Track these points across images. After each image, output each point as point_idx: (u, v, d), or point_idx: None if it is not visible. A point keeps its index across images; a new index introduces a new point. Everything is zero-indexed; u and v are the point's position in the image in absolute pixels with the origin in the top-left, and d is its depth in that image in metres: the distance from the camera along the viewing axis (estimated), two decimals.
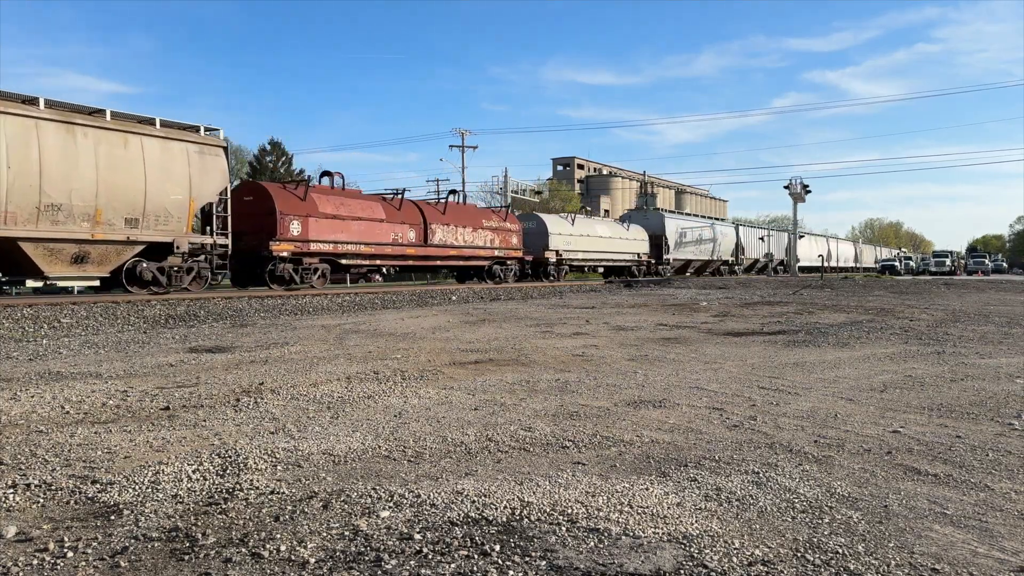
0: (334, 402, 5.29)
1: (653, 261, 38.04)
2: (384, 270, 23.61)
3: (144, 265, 15.79)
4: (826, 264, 51.14)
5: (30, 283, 14.83)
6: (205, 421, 4.66)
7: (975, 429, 4.46)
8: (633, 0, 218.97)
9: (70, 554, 2.55)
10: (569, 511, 2.97)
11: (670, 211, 51.53)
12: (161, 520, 2.88)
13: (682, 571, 2.41)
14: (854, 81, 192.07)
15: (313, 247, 19.89)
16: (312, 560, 2.49)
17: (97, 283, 15.47)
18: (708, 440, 4.17)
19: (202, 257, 17.00)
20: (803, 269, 52.49)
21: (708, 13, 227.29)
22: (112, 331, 10.98)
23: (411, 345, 8.87)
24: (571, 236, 32.42)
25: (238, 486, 3.29)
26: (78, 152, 14.32)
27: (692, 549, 2.58)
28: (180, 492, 3.22)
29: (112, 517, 2.92)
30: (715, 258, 44.38)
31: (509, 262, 28.30)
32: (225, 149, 17.49)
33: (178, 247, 16.17)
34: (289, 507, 3.02)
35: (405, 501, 3.09)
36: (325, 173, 22.60)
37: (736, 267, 46.97)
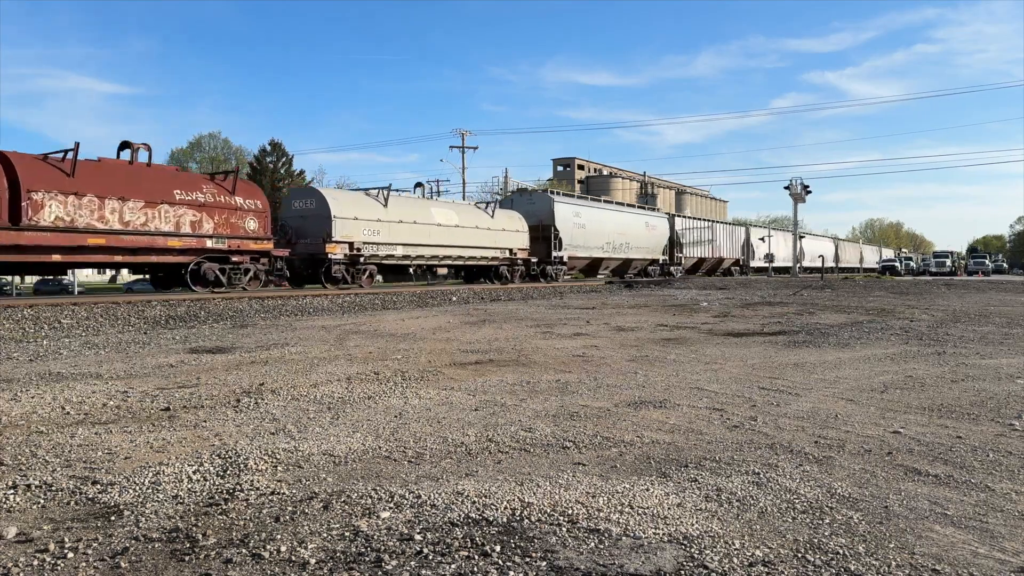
0: (334, 403, 5.29)
1: (536, 260, 28.66)
2: None
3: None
4: (826, 265, 49.27)
5: (29, 281, 15.00)
6: (205, 422, 4.66)
7: (976, 430, 4.45)
8: (633, 0, 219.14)
9: (70, 555, 2.55)
10: (570, 512, 2.97)
11: (569, 194, 36.52)
12: (161, 521, 2.88)
13: (682, 572, 2.41)
14: (854, 82, 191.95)
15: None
16: (312, 561, 2.49)
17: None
18: (708, 441, 4.17)
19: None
20: (777, 270, 49.11)
21: (706, 14, 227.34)
22: (112, 332, 10.98)
23: (411, 346, 8.87)
24: (381, 223, 21.97)
25: (238, 487, 3.29)
26: None
27: (692, 550, 2.58)
28: (180, 493, 3.22)
29: (112, 518, 2.92)
30: (640, 257, 35.72)
31: (240, 259, 18.05)
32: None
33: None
34: (289, 508, 3.02)
35: (405, 502, 3.09)
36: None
37: (672, 267, 38.66)
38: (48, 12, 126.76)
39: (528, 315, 13.93)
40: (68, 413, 4.94)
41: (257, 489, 3.26)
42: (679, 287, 25.99)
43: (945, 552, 2.57)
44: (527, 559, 2.51)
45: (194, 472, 3.51)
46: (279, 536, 2.71)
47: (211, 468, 3.58)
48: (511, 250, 27.53)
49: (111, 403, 5.28)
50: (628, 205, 39.35)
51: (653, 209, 41.09)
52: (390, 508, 3.01)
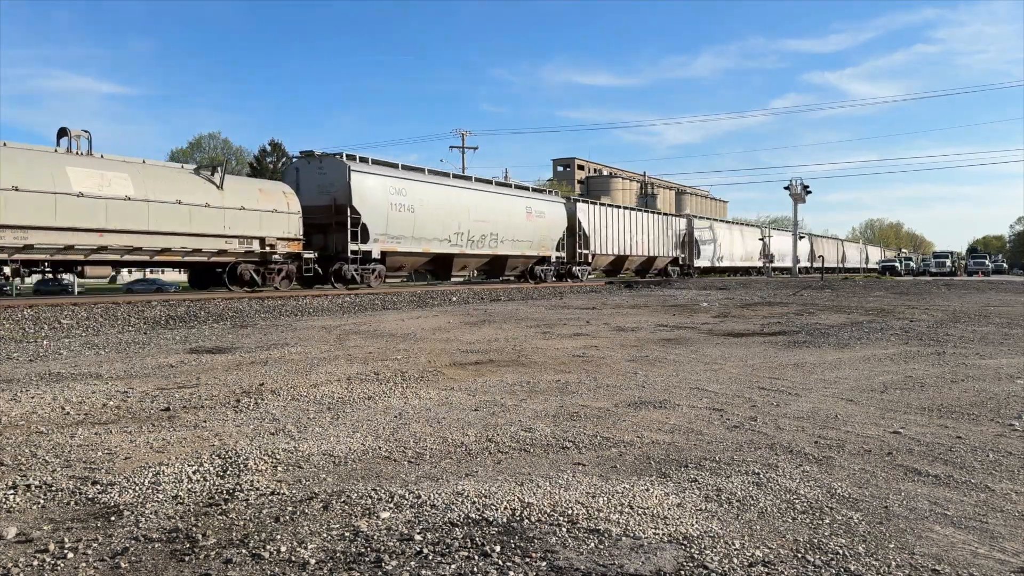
0: (334, 403, 5.29)
1: (311, 256, 18.93)
2: None
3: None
4: (824, 265, 48.85)
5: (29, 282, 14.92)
6: (205, 422, 4.66)
7: (975, 430, 4.45)
8: (632, 1, 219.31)
9: (70, 555, 2.55)
10: (569, 512, 2.97)
11: (384, 163, 21.31)
12: (161, 521, 2.88)
13: (682, 572, 2.41)
14: (853, 82, 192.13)
15: None
16: (312, 561, 2.49)
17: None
18: (708, 441, 4.17)
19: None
20: (737, 268, 44.21)
21: (706, 15, 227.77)
22: (112, 332, 10.98)
23: (411, 346, 8.87)
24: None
25: (238, 487, 3.29)
26: None
27: (692, 550, 2.58)
28: (180, 493, 3.22)
29: (112, 518, 2.92)
30: (516, 253, 26.25)
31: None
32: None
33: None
34: (289, 508, 3.02)
35: (405, 502, 3.09)
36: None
37: (575, 267, 30.05)
38: (48, 12, 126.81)
39: (528, 315, 13.93)
40: (68, 413, 4.94)
41: (257, 489, 3.26)
42: (679, 287, 26.03)
43: (945, 552, 2.57)
44: (527, 559, 2.51)
45: (194, 472, 3.51)
46: (279, 536, 2.71)
47: (211, 468, 3.58)
48: (253, 239, 17.36)
49: (111, 403, 5.28)
50: (498, 183, 27.79)
51: (547, 192, 29.64)
52: (390, 508, 3.01)
